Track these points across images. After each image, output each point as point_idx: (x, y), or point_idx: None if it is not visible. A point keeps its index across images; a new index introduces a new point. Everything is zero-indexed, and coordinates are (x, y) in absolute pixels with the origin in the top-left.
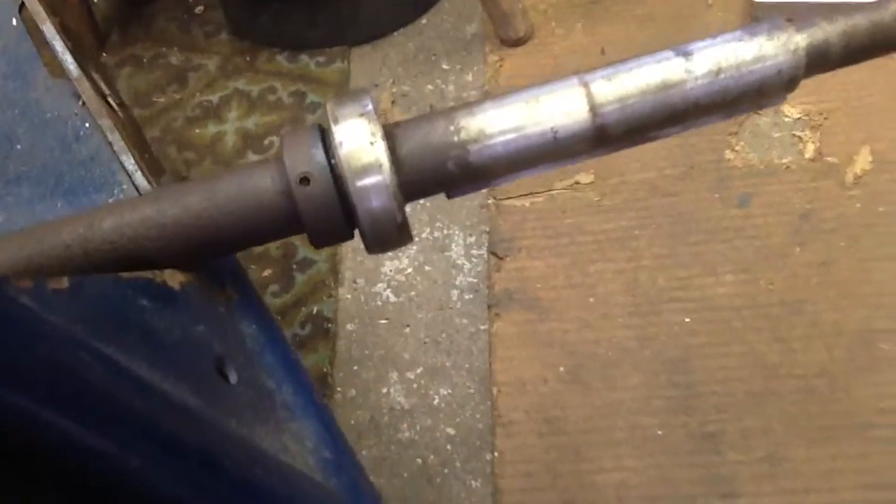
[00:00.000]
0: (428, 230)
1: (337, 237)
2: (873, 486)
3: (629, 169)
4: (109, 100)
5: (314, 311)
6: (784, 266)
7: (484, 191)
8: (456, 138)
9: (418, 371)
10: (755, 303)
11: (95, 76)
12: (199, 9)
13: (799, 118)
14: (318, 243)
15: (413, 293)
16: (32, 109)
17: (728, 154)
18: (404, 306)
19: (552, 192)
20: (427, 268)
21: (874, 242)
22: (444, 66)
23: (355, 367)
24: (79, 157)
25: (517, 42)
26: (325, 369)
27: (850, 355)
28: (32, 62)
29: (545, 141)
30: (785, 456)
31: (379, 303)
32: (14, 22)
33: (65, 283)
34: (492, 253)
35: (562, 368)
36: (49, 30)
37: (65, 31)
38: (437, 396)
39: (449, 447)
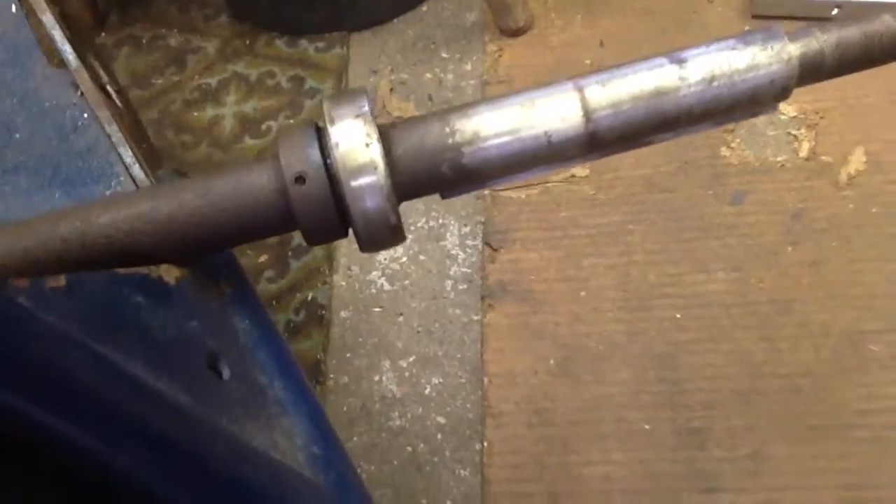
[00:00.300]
0: (424, 220)
1: (331, 236)
2: (853, 486)
3: (624, 164)
4: (108, 87)
5: (309, 298)
6: (775, 265)
7: None
8: (450, 140)
9: (411, 360)
10: (745, 301)
11: (94, 63)
12: None
13: (795, 116)
14: (311, 241)
15: (407, 282)
16: (31, 98)
17: (724, 151)
18: (398, 295)
19: (548, 185)
20: (422, 257)
21: (866, 243)
22: (444, 55)
23: (348, 355)
24: (76, 148)
25: (516, 32)
26: (318, 356)
27: (837, 356)
28: (31, 50)
29: (539, 145)
30: (768, 453)
31: (373, 291)
32: (13, 9)
33: (62, 281)
34: (486, 244)
35: (552, 361)
36: (48, 19)
37: (64, 17)
38: (428, 385)
39: (439, 436)
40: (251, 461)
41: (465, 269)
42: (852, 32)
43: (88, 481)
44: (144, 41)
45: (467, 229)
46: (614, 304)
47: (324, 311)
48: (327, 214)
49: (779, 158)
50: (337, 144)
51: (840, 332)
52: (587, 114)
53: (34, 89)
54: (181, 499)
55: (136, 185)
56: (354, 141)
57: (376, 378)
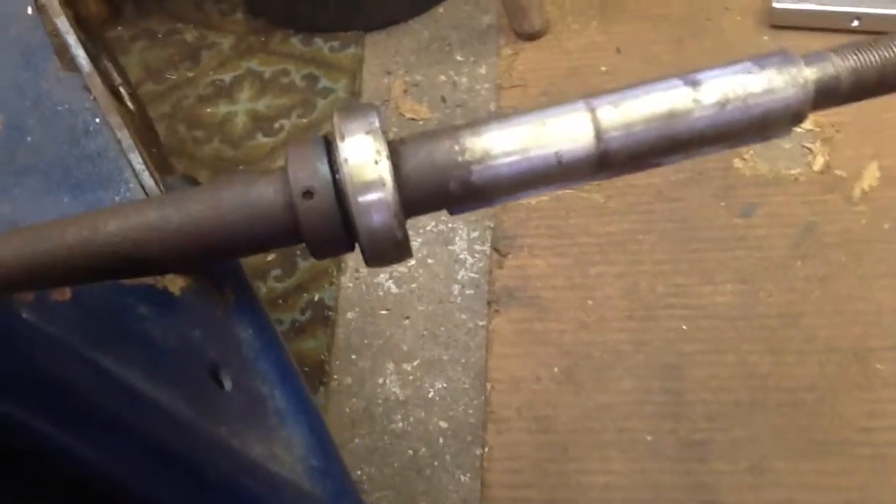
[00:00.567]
0: (433, 223)
1: (337, 250)
2: (854, 502)
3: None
4: (121, 89)
5: (315, 298)
6: (784, 278)
7: None
8: (460, 158)
9: (415, 363)
10: (752, 314)
11: (107, 65)
12: None
13: (810, 129)
14: (317, 255)
15: (414, 285)
16: (44, 101)
17: (737, 162)
18: (405, 298)
19: (558, 192)
20: (430, 261)
21: (876, 259)
22: (458, 58)
23: (353, 356)
24: (87, 152)
25: (532, 36)
26: (322, 356)
27: (841, 371)
28: (45, 54)
29: (549, 165)
30: (769, 467)
31: (380, 293)
32: (29, 10)
33: (68, 294)
34: (494, 249)
35: (556, 368)
36: (63, 23)
37: (79, 18)
38: (431, 389)
39: (441, 440)
40: (250, 472)
41: (472, 274)
42: (869, 58)
43: (89, 490)
44: (160, 35)
45: (476, 234)
46: (621, 313)
47: (330, 312)
48: (334, 229)
49: (792, 171)
50: (346, 160)
51: (846, 348)
52: (599, 134)
53: (47, 92)
54: None
55: (145, 191)
56: (364, 157)
57: (380, 380)
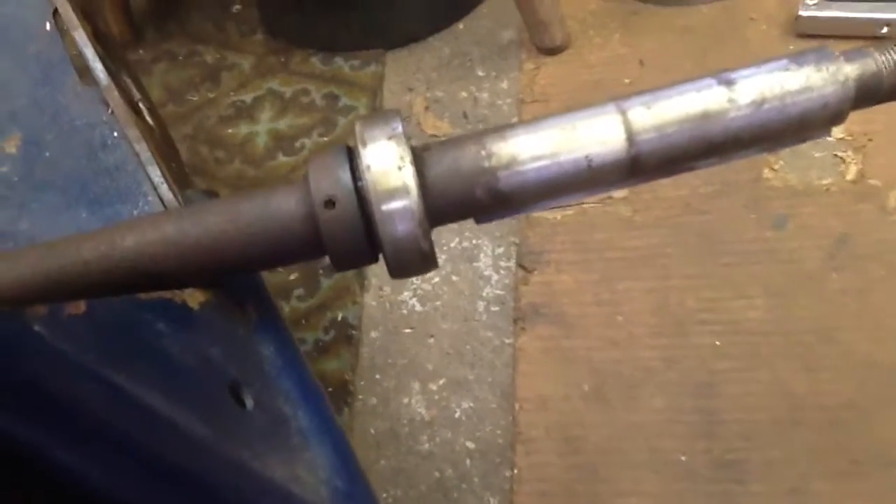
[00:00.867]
0: (457, 240)
1: (360, 262)
2: None
3: (662, 184)
4: (140, 104)
5: (339, 317)
6: (818, 292)
7: None
8: (486, 164)
9: (441, 382)
10: (786, 329)
11: (127, 80)
12: (235, 7)
13: (842, 138)
14: (340, 267)
15: (439, 303)
16: (62, 116)
17: (766, 173)
18: (429, 316)
19: (583, 206)
20: (454, 278)
21: None
22: (480, 73)
23: (377, 376)
24: (105, 166)
25: (554, 50)
26: (346, 376)
27: (881, 388)
28: (64, 67)
29: (578, 169)
30: (808, 489)
31: (404, 311)
32: (48, 26)
33: (82, 307)
34: (520, 265)
35: (585, 387)
36: (80, 36)
37: (97, 36)
38: (458, 409)
39: (468, 461)
40: (269, 495)
41: (498, 291)
42: None
43: None
44: (180, 57)
45: (501, 250)
46: (650, 329)
47: (353, 331)
48: (356, 240)
49: (824, 182)
50: (368, 167)
51: (886, 364)
52: (630, 137)
53: (65, 107)
54: None
55: (164, 205)
56: (387, 163)
57: (405, 400)
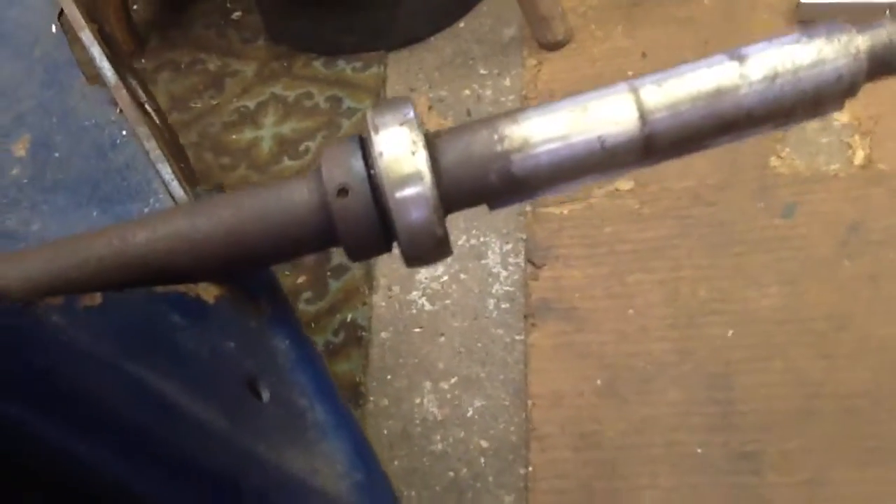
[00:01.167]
0: (464, 238)
1: (374, 251)
2: None
3: (669, 176)
4: (147, 106)
5: (348, 319)
6: (831, 279)
7: None
8: (499, 148)
9: (452, 381)
10: (799, 317)
11: (133, 83)
12: (236, 14)
13: (848, 123)
14: (354, 257)
15: (448, 301)
16: (70, 117)
17: (773, 161)
18: (439, 314)
19: (591, 200)
20: (463, 276)
21: None
22: (482, 71)
23: (388, 376)
24: (115, 165)
25: (556, 45)
26: (357, 378)
27: None
28: (70, 70)
29: (592, 151)
30: (827, 478)
31: (414, 311)
32: (53, 29)
33: (98, 299)
34: (529, 261)
35: (598, 381)
36: (87, 36)
37: (103, 37)
38: (470, 408)
39: (482, 460)
40: (287, 488)
41: (507, 288)
42: None
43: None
44: (183, 65)
45: (509, 247)
46: (662, 321)
47: (363, 332)
48: (370, 228)
49: (832, 167)
50: (381, 154)
51: None
52: (643, 116)
53: (73, 108)
54: None
55: (175, 201)
56: (399, 150)
57: (417, 400)
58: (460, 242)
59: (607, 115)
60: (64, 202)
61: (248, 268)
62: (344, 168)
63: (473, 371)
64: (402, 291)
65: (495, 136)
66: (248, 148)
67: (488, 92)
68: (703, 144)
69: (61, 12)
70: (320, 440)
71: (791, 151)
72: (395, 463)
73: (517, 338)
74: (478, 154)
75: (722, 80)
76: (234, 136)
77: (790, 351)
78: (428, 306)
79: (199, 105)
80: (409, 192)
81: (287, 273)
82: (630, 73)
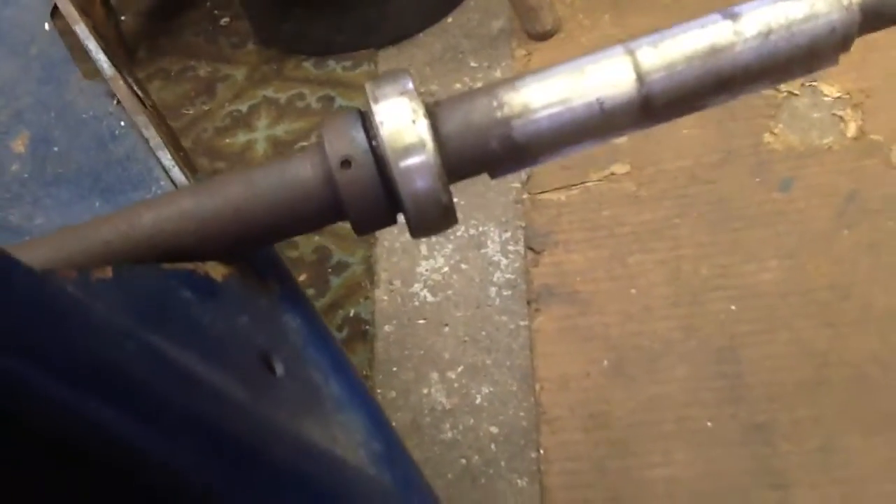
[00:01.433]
0: (463, 228)
1: (380, 222)
2: None
3: (665, 157)
4: (143, 100)
5: (351, 314)
6: (830, 250)
7: (518, 185)
8: (499, 114)
9: (459, 370)
10: (802, 288)
11: (129, 79)
12: (224, 20)
13: (839, 97)
14: (360, 229)
15: (450, 292)
16: (68, 112)
17: (767, 137)
18: (442, 305)
19: (587, 185)
20: (463, 266)
21: None
22: (472, 64)
23: (394, 369)
24: (115, 156)
25: (544, 35)
26: (364, 372)
27: None
28: (66, 65)
29: (591, 113)
30: (839, 445)
31: (416, 303)
32: (47, 26)
33: (109, 272)
34: (528, 248)
35: (605, 362)
36: (82, 30)
37: (97, 31)
38: (478, 395)
39: (493, 446)
40: (312, 456)
41: (508, 275)
42: None
43: (138, 483)
44: (173, 73)
45: (508, 234)
46: (666, 300)
47: (367, 327)
48: (376, 198)
49: (825, 141)
50: (382, 123)
51: None
52: (640, 77)
53: (70, 102)
54: (239, 496)
55: (177, 188)
56: (400, 119)
57: (424, 391)
58: (459, 233)
59: (605, 77)
60: (66, 195)
61: (255, 245)
62: (346, 140)
63: (479, 359)
64: (403, 284)
65: (495, 103)
66: (242, 151)
67: (479, 85)
68: (700, 104)
69: (55, 8)
70: (337, 412)
71: (784, 127)
72: None
73: (521, 324)
74: (478, 121)
75: (717, 38)
76: (227, 141)
77: (795, 322)
78: (430, 298)
79: (191, 111)
80: (412, 161)
81: None
82: None
